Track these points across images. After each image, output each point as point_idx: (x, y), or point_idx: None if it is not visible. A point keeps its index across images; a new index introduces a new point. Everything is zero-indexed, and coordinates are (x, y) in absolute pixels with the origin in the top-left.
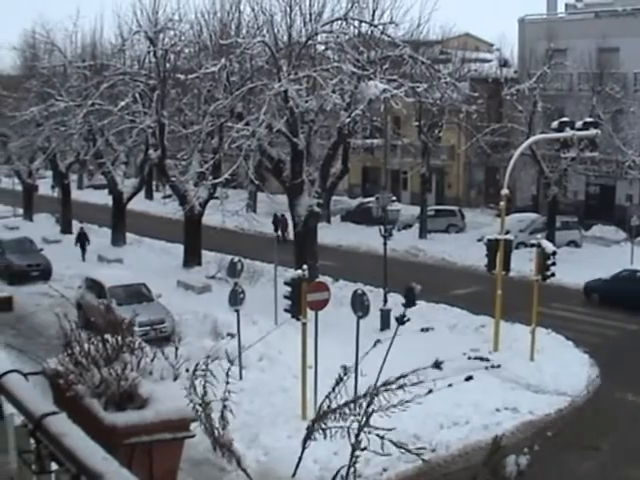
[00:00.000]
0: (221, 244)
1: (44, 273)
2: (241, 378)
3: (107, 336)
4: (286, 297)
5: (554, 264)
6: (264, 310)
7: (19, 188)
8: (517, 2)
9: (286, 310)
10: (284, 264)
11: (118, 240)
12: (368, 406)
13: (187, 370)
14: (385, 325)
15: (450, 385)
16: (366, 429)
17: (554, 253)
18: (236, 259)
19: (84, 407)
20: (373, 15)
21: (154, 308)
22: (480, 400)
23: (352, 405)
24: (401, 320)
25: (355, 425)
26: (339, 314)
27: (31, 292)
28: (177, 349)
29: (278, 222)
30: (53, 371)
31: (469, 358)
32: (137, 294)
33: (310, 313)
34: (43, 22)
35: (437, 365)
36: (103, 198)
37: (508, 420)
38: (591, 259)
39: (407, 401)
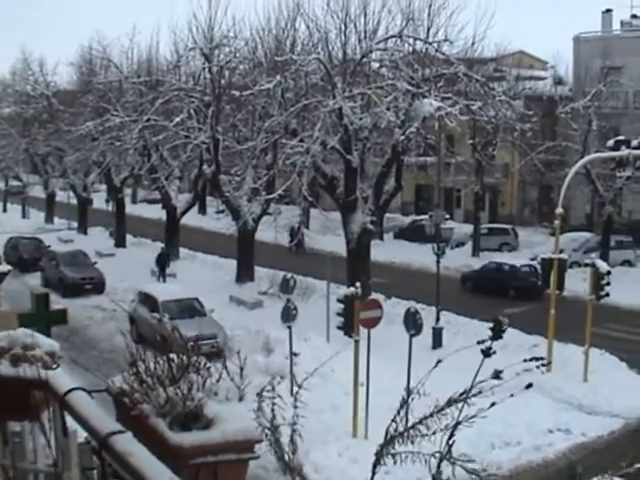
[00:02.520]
0: (273, 260)
1: (97, 286)
2: (292, 395)
3: (172, 355)
4: (339, 314)
5: (608, 284)
6: (316, 327)
7: (74, 201)
8: (572, 20)
9: (339, 327)
10: (337, 281)
11: (171, 255)
12: (451, 437)
13: (258, 394)
14: (437, 343)
15: (512, 395)
16: (447, 457)
17: (608, 273)
18: (289, 275)
19: (149, 426)
20: (428, 33)
21: (206, 323)
22: (532, 420)
23: (419, 427)
24: (487, 353)
25: (425, 449)
26: (391, 332)
27: (84, 305)
28: (242, 369)
29: (294, 233)
30: (118, 389)
31: (524, 361)
32: (190, 309)
33: (362, 330)
34: (100, 38)
35: (497, 375)
36: (157, 212)
37: (560, 441)
38: None
39: (472, 416)
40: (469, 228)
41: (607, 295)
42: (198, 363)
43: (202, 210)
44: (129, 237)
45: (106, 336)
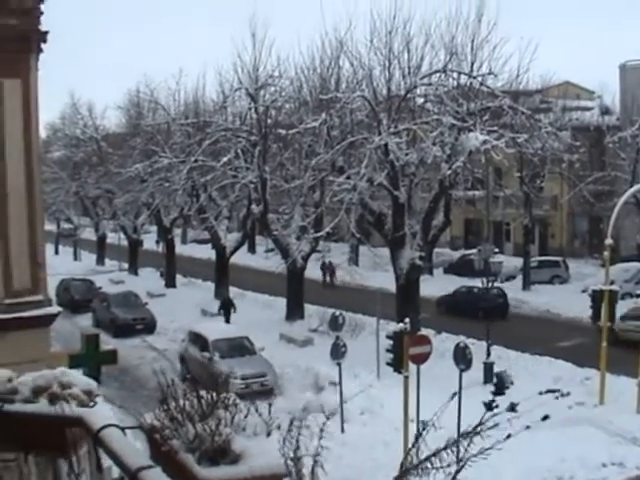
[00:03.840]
0: (323, 297)
1: (148, 326)
2: (343, 431)
3: (202, 392)
4: (388, 350)
5: None
6: (366, 363)
7: (124, 243)
8: (618, 48)
9: (388, 363)
10: (386, 317)
11: (221, 294)
12: (458, 471)
13: (279, 427)
14: (488, 378)
15: (528, 427)
16: None
17: None
18: (337, 312)
19: (179, 462)
20: (472, 67)
21: (256, 361)
22: (585, 454)
23: (434, 459)
24: (490, 406)
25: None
26: (441, 367)
27: (135, 345)
28: (270, 405)
29: (325, 269)
30: (150, 426)
31: (540, 394)
32: (240, 347)
33: (412, 366)
34: (147, 81)
35: (512, 408)
36: (206, 252)
37: (614, 475)
38: None
39: (488, 448)
40: (519, 261)
41: None
42: (227, 399)
43: (251, 249)
44: (179, 277)
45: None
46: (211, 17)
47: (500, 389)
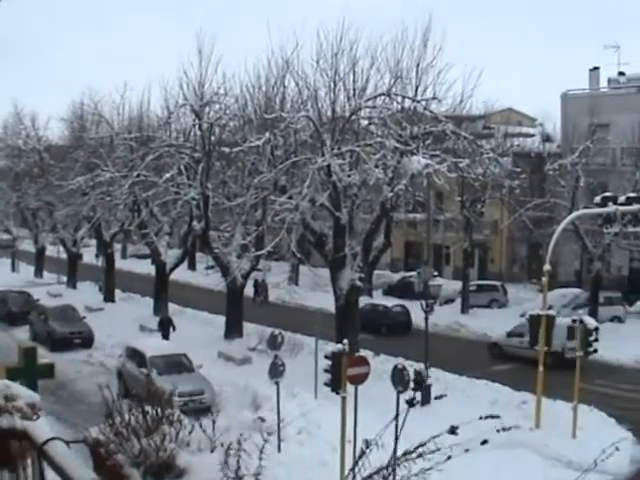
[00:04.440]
0: (262, 316)
1: (86, 341)
2: (279, 451)
3: (147, 408)
4: (326, 371)
5: (596, 340)
6: (304, 383)
7: (64, 256)
8: (560, 77)
9: (326, 384)
10: (325, 337)
11: (160, 310)
12: None
13: (222, 445)
14: (426, 400)
15: (467, 450)
16: None
17: (596, 329)
18: (276, 332)
19: (124, 476)
20: (416, 91)
21: (194, 379)
22: (521, 477)
23: (375, 477)
24: (411, 403)
25: None
26: (379, 388)
27: (73, 359)
28: (214, 422)
29: (258, 286)
30: (94, 440)
31: (480, 418)
32: (178, 364)
33: (350, 387)
34: (91, 94)
35: (452, 431)
36: (146, 268)
37: None
38: (635, 335)
39: (428, 469)
40: (458, 285)
41: (595, 351)
42: (172, 415)
43: (192, 266)
44: (118, 292)
45: (94, 391)
46: (158, 32)
47: (419, 385)
